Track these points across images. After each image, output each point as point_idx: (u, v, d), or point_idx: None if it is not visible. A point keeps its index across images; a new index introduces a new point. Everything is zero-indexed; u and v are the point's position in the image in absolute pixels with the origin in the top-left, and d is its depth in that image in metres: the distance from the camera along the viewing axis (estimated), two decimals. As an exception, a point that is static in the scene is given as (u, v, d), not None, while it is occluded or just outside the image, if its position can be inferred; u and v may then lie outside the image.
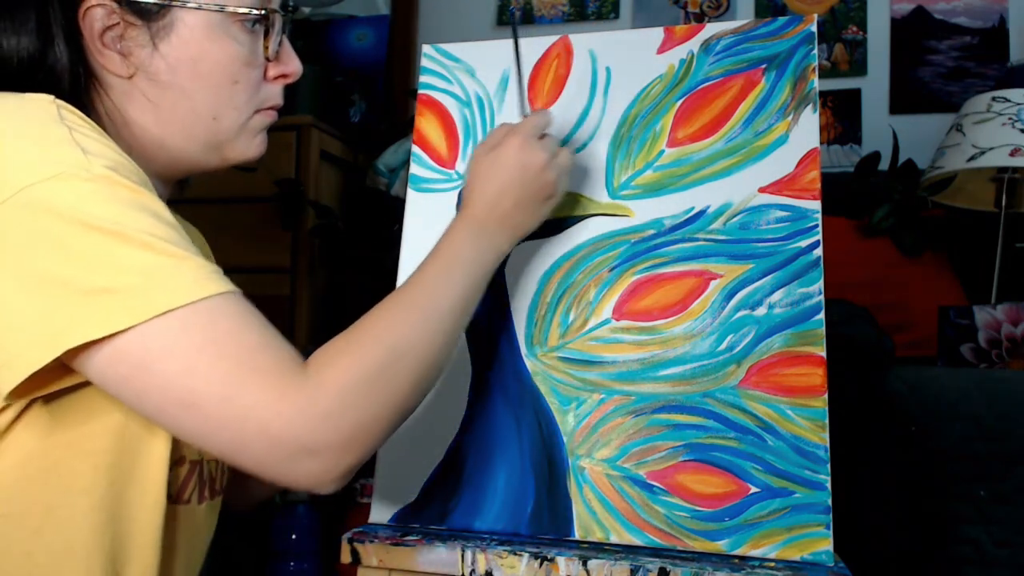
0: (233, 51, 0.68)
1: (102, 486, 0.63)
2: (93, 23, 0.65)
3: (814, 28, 0.80)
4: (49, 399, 0.60)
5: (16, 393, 0.55)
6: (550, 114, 0.76)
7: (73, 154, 0.56)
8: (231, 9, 0.67)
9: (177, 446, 0.69)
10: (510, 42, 0.88)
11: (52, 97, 0.60)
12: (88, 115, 0.64)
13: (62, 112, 0.59)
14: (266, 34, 0.71)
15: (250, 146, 0.73)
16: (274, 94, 0.74)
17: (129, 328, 0.52)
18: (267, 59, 0.72)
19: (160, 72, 0.67)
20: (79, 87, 0.65)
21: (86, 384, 0.61)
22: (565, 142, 0.83)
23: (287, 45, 0.74)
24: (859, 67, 1.99)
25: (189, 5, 0.66)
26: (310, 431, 0.54)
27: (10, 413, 0.60)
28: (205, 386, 0.53)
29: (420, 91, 0.89)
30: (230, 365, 0.54)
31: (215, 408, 0.53)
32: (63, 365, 0.55)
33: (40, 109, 0.59)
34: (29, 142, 0.57)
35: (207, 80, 0.68)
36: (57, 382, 0.58)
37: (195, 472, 0.72)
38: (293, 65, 0.74)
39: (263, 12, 0.69)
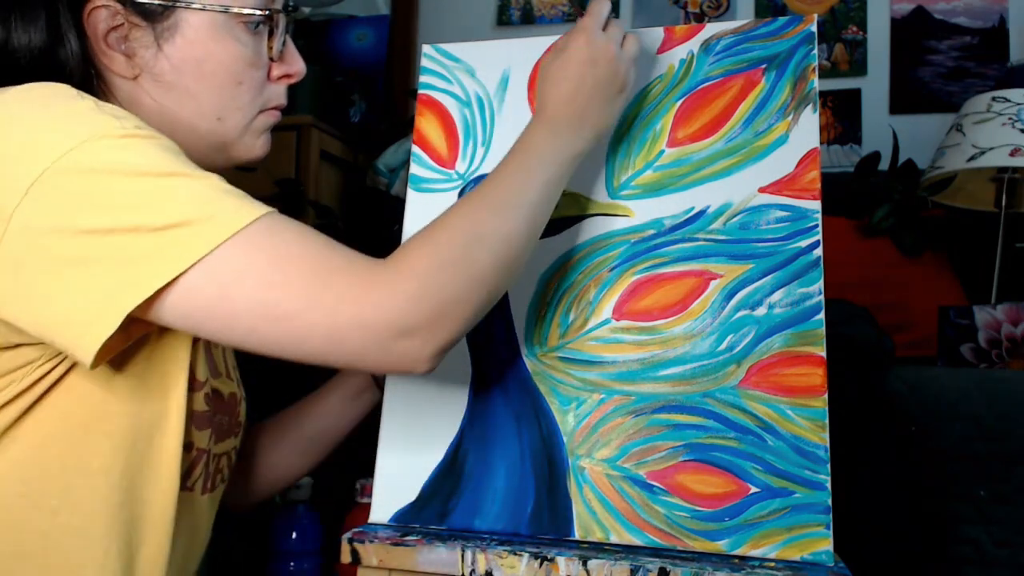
0: (237, 52, 0.69)
1: (119, 467, 0.64)
2: (97, 24, 0.65)
3: (814, 28, 0.80)
4: (67, 380, 0.61)
5: (103, 354, 0.55)
6: (609, 2, 0.76)
7: (103, 118, 0.58)
8: (235, 10, 0.68)
9: (188, 433, 0.70)
10: (510, 42, 0.88)
11: (67, 85, 0.61)
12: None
13: (80, 92, 0.61)
14: (270, 34, 0.71)
15: (255, 146, 0.74)
16: (278, 94, 0.75)
17: (203, 257, 0.53)
18: (271, 59, 0.72)
19: (165, 73, 0.67)
20: (89, 85, 0.65)
21: (118, 361, 0.63)
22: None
23: (291, 45, 0.74)
24: (859, 67, 1.99)
25: (193, 6, 0.66)
26: (401, 313, 0.55)
27: (30, 396, 0.61)
28: (290, 294, 0.55)
29: (420, 91, 0.89)
30: (306, 270, 0.55)
31: (305, 311, 0.55)
32: (129, 322, 0.55)
33: (60, 89, 0.60)
34: (58, 114, 0.58)
35: (211, 81, 0.68)
36: (124, 343, 0.59)
37: (202, 460, 0.73)
38: (297, 65, 0.75)
39: (267, 13, 0.70)
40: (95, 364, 0.55)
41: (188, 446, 0.70)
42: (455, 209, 0.63)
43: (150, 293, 0.53)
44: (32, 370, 0.61)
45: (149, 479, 0.66)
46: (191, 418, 0.70)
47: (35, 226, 0.54)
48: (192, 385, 0.70)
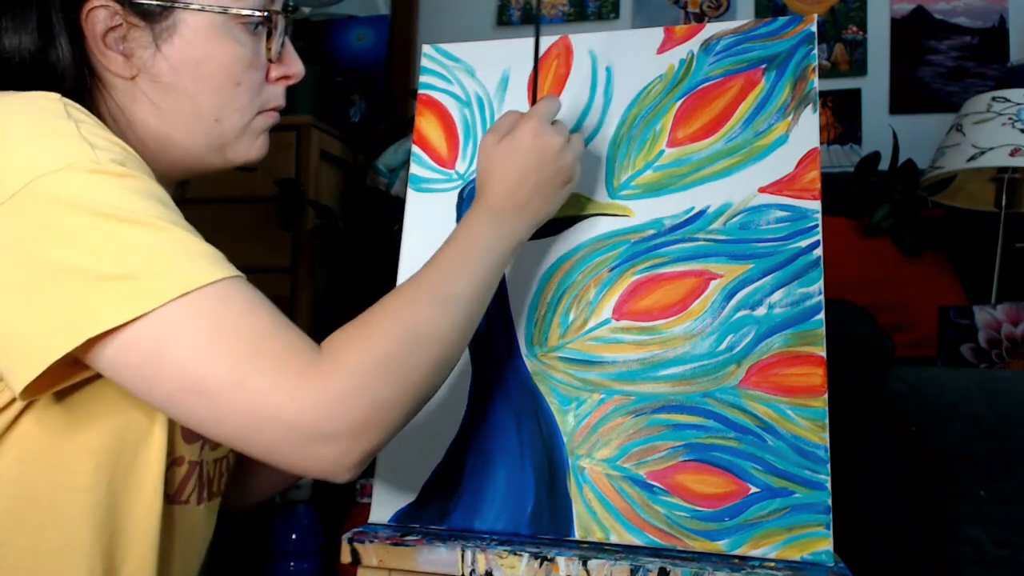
0: (236, 52, 0.68)
1: (103, 484, 0.63)
2: (96, 24, 0.65)
3: (814, 28, 0.80)
4: (54, 397, 0.60)
5: (31, 389, 0.54)
6: (559, 100, 0.76)
7: (81, 147, 0.56)
8: (234, 11, 0.67)
9: (175, 446, 0.69)
10: (510, 42, 0.88)
11: (58, 95, 0.60)
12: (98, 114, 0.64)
13: (69, 109, 0.60)
14: (268, 35, 0.71)
15: (252, 147, 0.73)
16: (276, 95, 0.74)
17: (145, 314, 0.52)
18: (269, 60, 0.72)
19: (163, 73, 0.67)
20: (82, 87, 0.65)
21: (89, 381, 0.61)
22: (565, 142, 0.83)
23: (289, 46, 0.74)
24: (859, 67, 1.99)
25: (192, 7, 0.66)
26: (325, 415, 0.53)
27: (13, 410, 0.60)
28: (217, 372, 0.52)
29: (420, 91, 0.89)
30: (242, 350, 0.53)
31: (227, 394, 0.52)
32: (73, 360, 0.54)
33: (47, 105, 0.59)
34: (37, 136, 0.57)
35: (210, 81, 0.68)
36: (67, 378, 0.58)
37: (194, 473, 0.72)
38: (296, 67, 0.74)
39: (265, 14, 0.69)
40: (25, 397, 0.54)
41: (178, 460, 0.69)
42: (390, 301, 0.60)
43: (80, 342, 0.52)
44: (6, 386, 0.59)
45: (132, 495, 0.65)
46: (177, 433, 0.69)
47: (3, 242, 0.53)
48: None
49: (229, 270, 0.55)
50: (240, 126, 0.71)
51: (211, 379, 0.52)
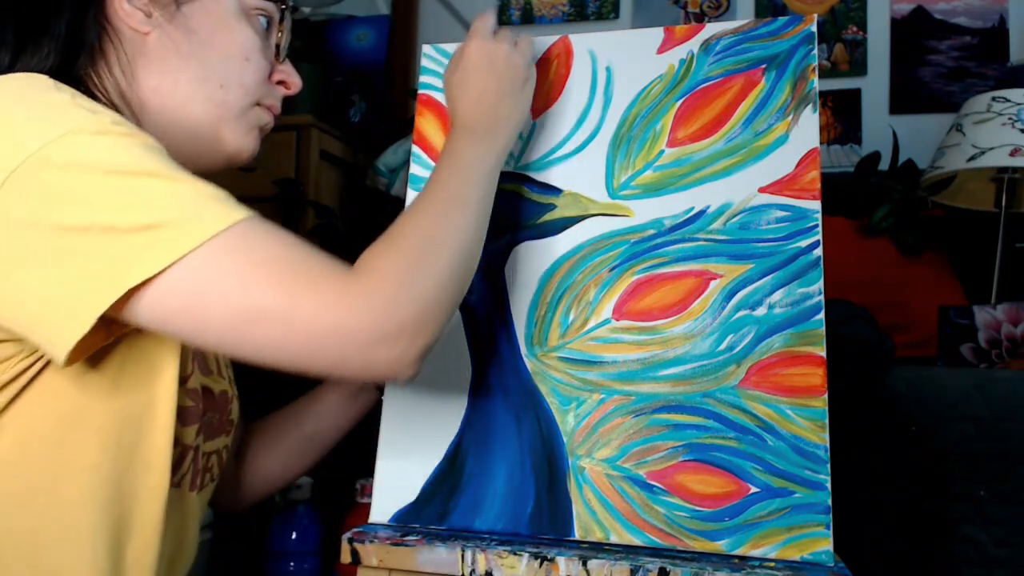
0: (250, 35, 0.72)
1: (107, 464, 0.63)
2: None
3: (814, 28, 0.80)
4: (54, 375, 0.61)
5: (75, 354, 0.54)
6: (493, 15, 0.80)
7: (79, 112, 0.57)
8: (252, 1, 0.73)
9: (176, 430, 0.69)
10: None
11: (45, 76, 0.61)
12: (90, 81, 0.66)
13: (58, 84, 0.60)
14: (268, 32, 0.75)
15: (246, 138, 0.74)
16: (275, 96, 0.76)
17: (180, 258, 0.53)
18: (277, 58, 0.75)
19: (179, 29, 0.69)
20: (93, 41, 0.67)
21: (95, 357, 0.62)
22: (565, 142, 0.83)
23: (290, 63, 0.77)
24: (859, 67, 1.99)
25: None
26: (383, 318, 0.55)
27: (12, 389, 0.60)
28: (268, 298, 0.54)
29: (420, 91, 0.89)
30: (287, 274, 0.55)
31: (283, 317, 0.54)
32: (108, 322, 0.55)
33: (35, 82, 0.60)
34: (33, 108, 0.57)
35: (222, 49, 0.71)
36: (102, 341, 0.58)
37: (189, 456, 0.72)
38: (296, 78, 0.77)
39: (282, 9, 0.74)
40: (68, 362, 0.55)
41: (175, 441, 0.70)
42: (404, 219, 0.64)
43: (122, 293, 0.52)
44: (12, 365, 0.60)
45: (138, 475, 0.66)
46: (176, 413, 0.69)
47: (11, 218, 0.53)
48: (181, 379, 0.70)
49: (249, 211, 0.57)
50: (241, 104, 0.72)
51: (264, 306, 0.54)
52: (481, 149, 0.72)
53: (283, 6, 0.75)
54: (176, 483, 0.71)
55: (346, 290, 0.55)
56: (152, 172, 0.55)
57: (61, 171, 0.54)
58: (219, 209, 0.56)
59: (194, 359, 0.74)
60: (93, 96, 0.65)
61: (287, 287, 0.54)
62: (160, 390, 0.67)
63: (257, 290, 0.54)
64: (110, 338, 0.59)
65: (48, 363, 0.61)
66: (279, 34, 0.76)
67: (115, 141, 0.56)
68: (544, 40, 0.86)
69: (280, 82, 0.77)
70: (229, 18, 0.71)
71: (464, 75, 0.75)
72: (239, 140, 0.73)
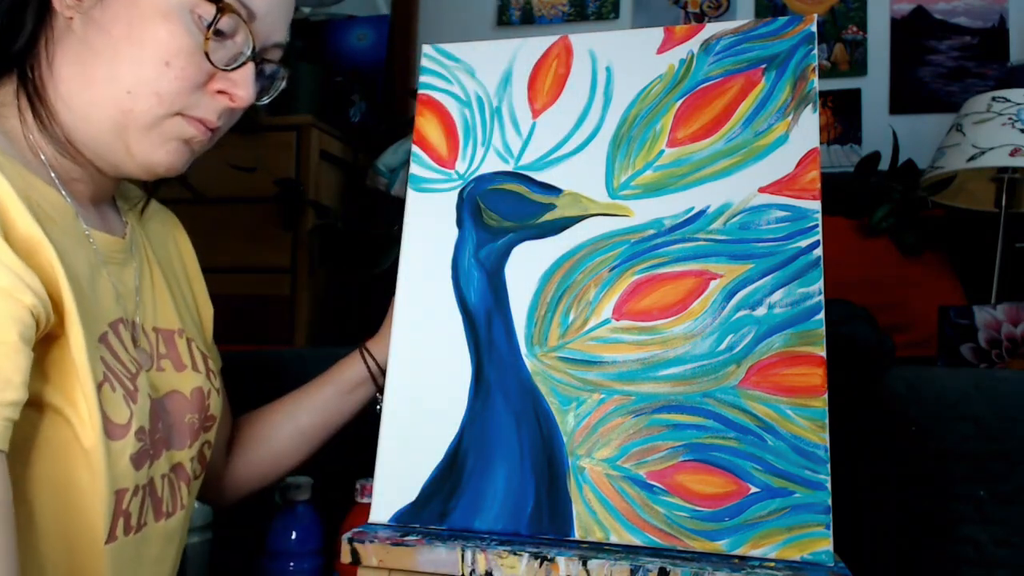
0: (179, 36, 0.64)
1: (48, 534, 0.60)
2: None
3: (814, 28, 0.79)
4: None
5: None
6: None
7: None
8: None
9: (120, 480, 0.64)
10: (510, 42, 0.88)
11: None
12: (27, 67, 0.63)
13: None
14: (220, 35, 0.66)
15: (156, 151, 0.67)
16: (209, 108, 0.68)
17: None
18: (213, 64, 0.66)
19: (95, 19, 0.63)
20: (24, 30, 0.64)
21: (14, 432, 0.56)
22: (565, 142, 0.83)
23: (247, 73, 0.68)
24: (859, 67, 2.00)
25: None
26: None
27: None
28: None
29: (420, 91, 0.89)
30: None
31: None
32: None
33: None
34: None
35: (137, 48, 0.63)
36: None
37: (139, 496, 0.68)
38: (242, 90, 0.68)
39: (218, 6, 0.65)
40: None
41: (136, 490, 0.66)
42: None
43: None
44: None
45: (82, 536, 0.62)
46: (124, 465, 0.64)
47: None
48: (113, 434, 0.63)
49: None
50: (152, 116, 0.65)
51: None
52: None
53: (219, 3, 0.65)
54: (142, 523, 0.68)
55: None
56: None
57: None
58: None
59: (164, 342, 0.71)
60: (23, 87, 0.62)
61: None
62: (78, 450, 0.61)
63: None
64: None
65: None
66: (249, 36, 0.67)
67: None
68: (544, 40, 0.86)
69: (220, 92, 0.67)
70: (154, 15, 0.63)
71: None
72: (148, 153, 0.67)
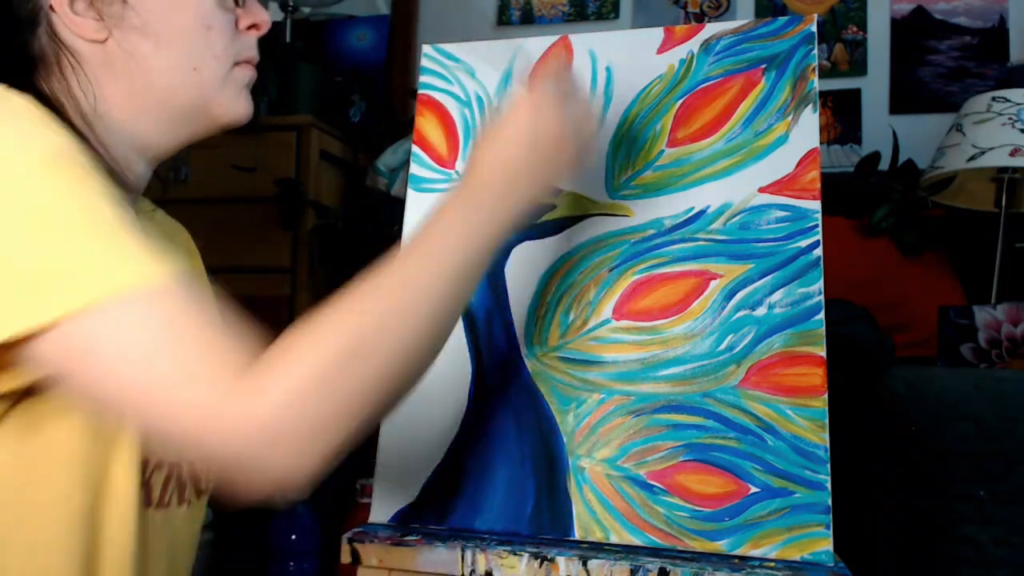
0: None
1: (77, 494, 0.61)
2: None
3: (814, 28, 0.79)
4: (15, 407, 0.58)
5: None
6: (568, 67, 0.70)
7: (8, 138, 0.53)
8: None
9: (149, 450, 0.66)
10: (510, 42, 0.88)
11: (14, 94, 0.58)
12: (53, 98, 0.62)
13: (26, 104, 0.57)
14: None
15: (237, 102, 0.71)
16: (249, 46, 0.72)
17: (76, 312, 0.49)
18: (236, 3, 0.70)
19: (133, 25, 0.65)
20: (50, 62, 0.64)
21: (48, 390, 0.58)
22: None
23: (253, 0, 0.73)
24: (859, 67, 2.00)
25: None
26: (266, 424, 0.49)
27: None
28: (145, 378, 0.50)
29: (420, 91, 0.89)
30: (176, 354, 0.50)
31: (163, 399, 0.50)
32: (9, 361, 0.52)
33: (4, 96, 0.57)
34: None
35: (181, 27, 0.67)
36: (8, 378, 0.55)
37: (174, 474, 0.70)
38: (263, 15, 0.73)
39: None
40: None
41: (159, 465, 0.67)
42: (343, 299, 0.55)
43: (9, 334, 0.49)
44: None
45: (108, 502, 0.63)
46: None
47: None
48: None
49: (166, 271, 0.53)
50: (220, 75, 0.69)
51: (138, 386, 0.50)
52: (477, 221, 0.61)
53: None
54: (165, 503, 0.69)
55: (233, 386, 0.49)
56: (68, 214, 0.52)
57: None
58: (132, 265, 0.52)
59: None
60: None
61: (174, 367, 0.50)
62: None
63: (143, 365, 0.50)
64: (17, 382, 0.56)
65: (11, 407, 0.58)
66: None
67: (40, 172, 0.53)
68: (544, 40, 0.86)
69: (250, 27, 0.72)
70: None
71: (499, 133, 0.64)
72: (231, 109, 0.71)
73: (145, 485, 0.67)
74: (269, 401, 0.49)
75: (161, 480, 0.68)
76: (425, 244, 0.59)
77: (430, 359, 0.58)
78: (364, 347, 0.53)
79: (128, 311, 0.50)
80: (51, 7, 0.64)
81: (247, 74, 0.72)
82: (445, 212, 0.61)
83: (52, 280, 0.50)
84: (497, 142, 0.64)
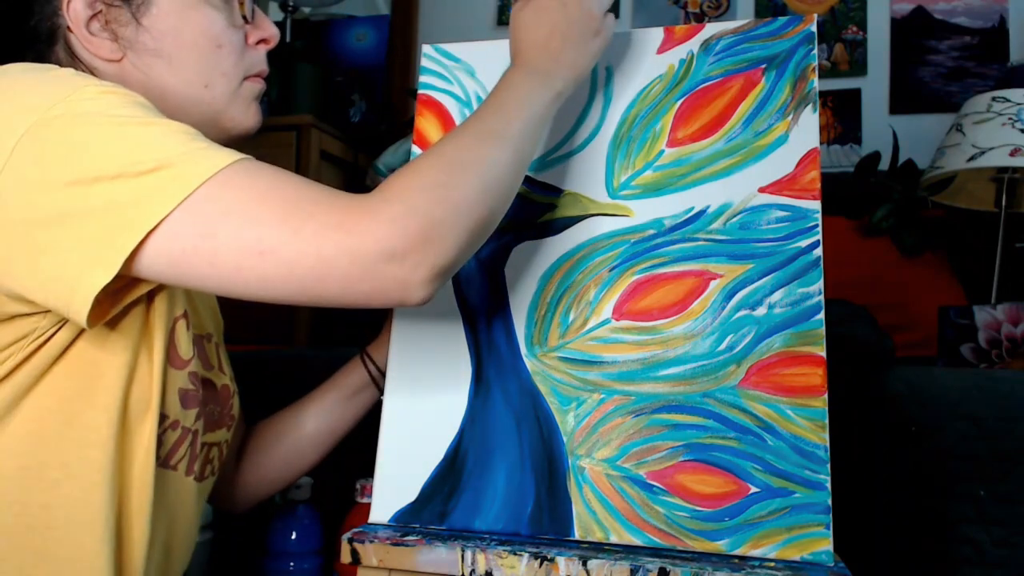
0: (212, 15, 0.71)
1: (113, 441, 0.64)
2: (78, 15, 0.67)
3: (814, 28, 0.79)
4: (64, 355, 0.62)
5: (98, 312, 0.56)
6: None
7: (84, 78, 0.59)
8: None
9: (171, 408, 0.70)
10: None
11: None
12: None
13: (58, 66, 0.62)
14: (240, 1, 0.74)
15: (247, 115, 0.75)
16: (258, 60, 0.76)
17: (185, 198, 0.54)
18: (245, 20, 0.74)
19: (147, 46, 0.69)
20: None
21: (100, 331, 0.63)
22: (565, 142, 0.83)
23: (260, 12, 0.76)
24: (859, 67, 2.00)
25: None
26: (386, 235, 0.54)
27: (27, 369, 0.61)
28: (272, 228, 0.54)
29: (420, 91, 0.89)
30: (287, 204, 0.55)
31: (288, 245, 0.54)
32: (118, 287, 0.57)
33: (32, 63, 0.62)
34: (40, 78, 0.59)
35: (193, 47, 0.70)
36: (116, 303, 0.60)
37: (187, 440, 0.73)
38: (271, 29, 0.76)
39: None
40: (91, 322, 0.56)
41: (174, 424, 0.70)
42: (438, 142, 0.63)
43: (141, 236, 0.53)
44: (28, 344, 0.61)
45: (134, 453, 0.67)
46: (171, 393, 0.70)
47: (22, 183, 0.54)
48: (175, 363, 0.71)
49: (244, 155, 0.58)
50: (229, 91, 0.73)
51: (268, 236, 0.54)
52: (534, 87, 0.69)
53: None
54: (172, 465, 0.72)
55: (350, 210, 0.55)
56: (153, 122, 0.57)
57: (68, 127, 0.55)
58: (218, 152, 0.57)
59: (194, 345, 0.75)
60: None
61: (288, 216, 0.55)
62: (155, 369, 0.67)
63: (260, 222, 0.54)
64: (119, 304, 0.60)
65: (63, 342, 0.62)
66: (242, 3, 0.74)
67: (118, 98, 0.58)
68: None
69: (259, 42, 0.76)
70: (187, 10, 0.70)
71: (535, 12, 0.72)
72: (241, 122, 0.75)
73: (157, 440, 0.69)
74: (390, 204, 0.56)
75: (172, 439, 0.71)
76: (498, 101, 0.67)
77: (512, 183, 0.64)
78: (464, 161, 0.60)
79: (232, 185, 0.55)
80: (68, 28, 0.68)
81: (256, 87, 0.76)
82: (509, 80, 0.69)
83: (152, 178, 0.54)
84: (536, 22, 0.72)
